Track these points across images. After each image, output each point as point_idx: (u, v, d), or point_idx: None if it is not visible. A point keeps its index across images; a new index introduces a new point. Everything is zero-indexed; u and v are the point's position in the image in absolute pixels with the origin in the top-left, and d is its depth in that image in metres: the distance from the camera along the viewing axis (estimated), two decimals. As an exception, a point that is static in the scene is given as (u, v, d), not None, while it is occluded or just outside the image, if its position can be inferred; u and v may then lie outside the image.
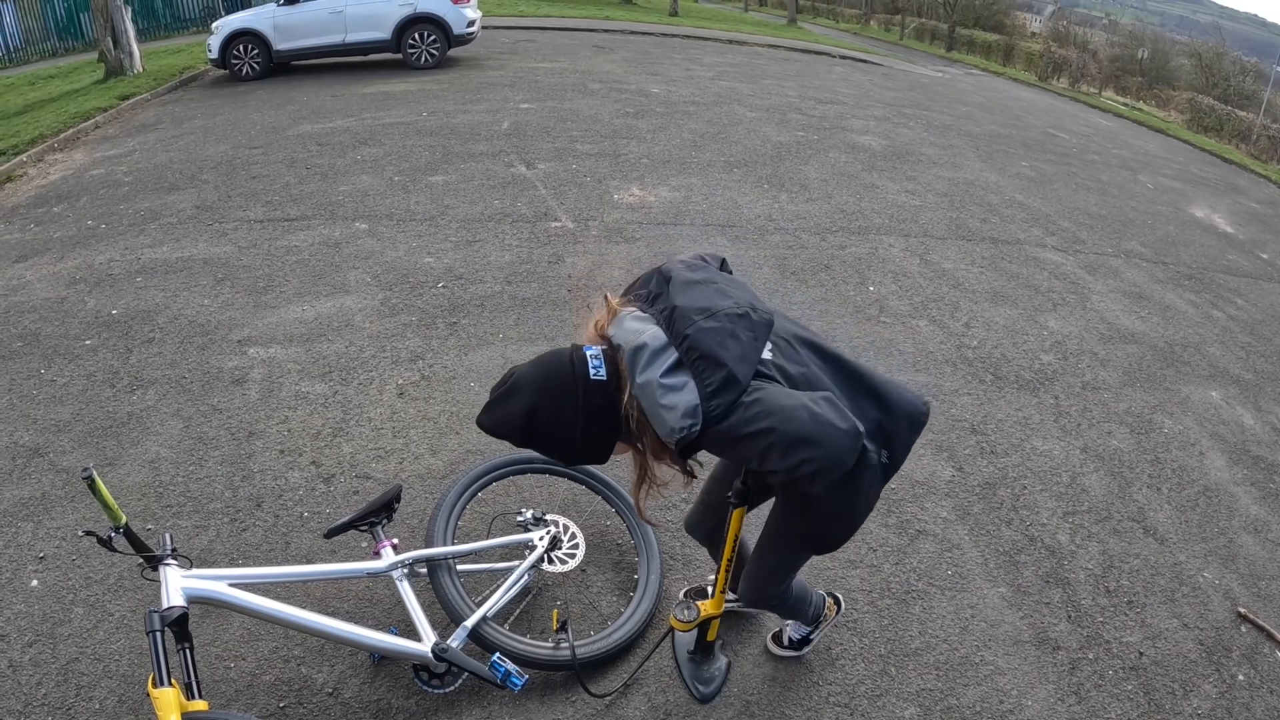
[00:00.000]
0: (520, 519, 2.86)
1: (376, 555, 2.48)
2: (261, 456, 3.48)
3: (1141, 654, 2.99)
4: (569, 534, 2.91)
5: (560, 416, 1.67)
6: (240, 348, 4.35)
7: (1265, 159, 19.28)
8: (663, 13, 27.94)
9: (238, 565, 2.90)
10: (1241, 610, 3.29)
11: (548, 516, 2.91)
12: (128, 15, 13.19)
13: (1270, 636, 3.20)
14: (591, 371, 1.69)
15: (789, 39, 24.05)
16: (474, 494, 2.84)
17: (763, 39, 22.51)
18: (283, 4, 12.90)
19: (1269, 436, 4.71)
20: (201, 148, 8.47)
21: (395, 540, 2.54)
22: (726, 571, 2.28)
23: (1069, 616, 3.09)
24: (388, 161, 7.77)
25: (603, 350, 1.73)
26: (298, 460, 3.45)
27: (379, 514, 2.57)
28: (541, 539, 2.77)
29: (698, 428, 1.60)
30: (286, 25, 12.64)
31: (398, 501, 2.65)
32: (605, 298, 1.84)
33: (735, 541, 2.22)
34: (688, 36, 20.74)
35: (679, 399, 1.61)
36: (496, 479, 2.92)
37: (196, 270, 5.30)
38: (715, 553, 2.66)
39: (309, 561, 2.92)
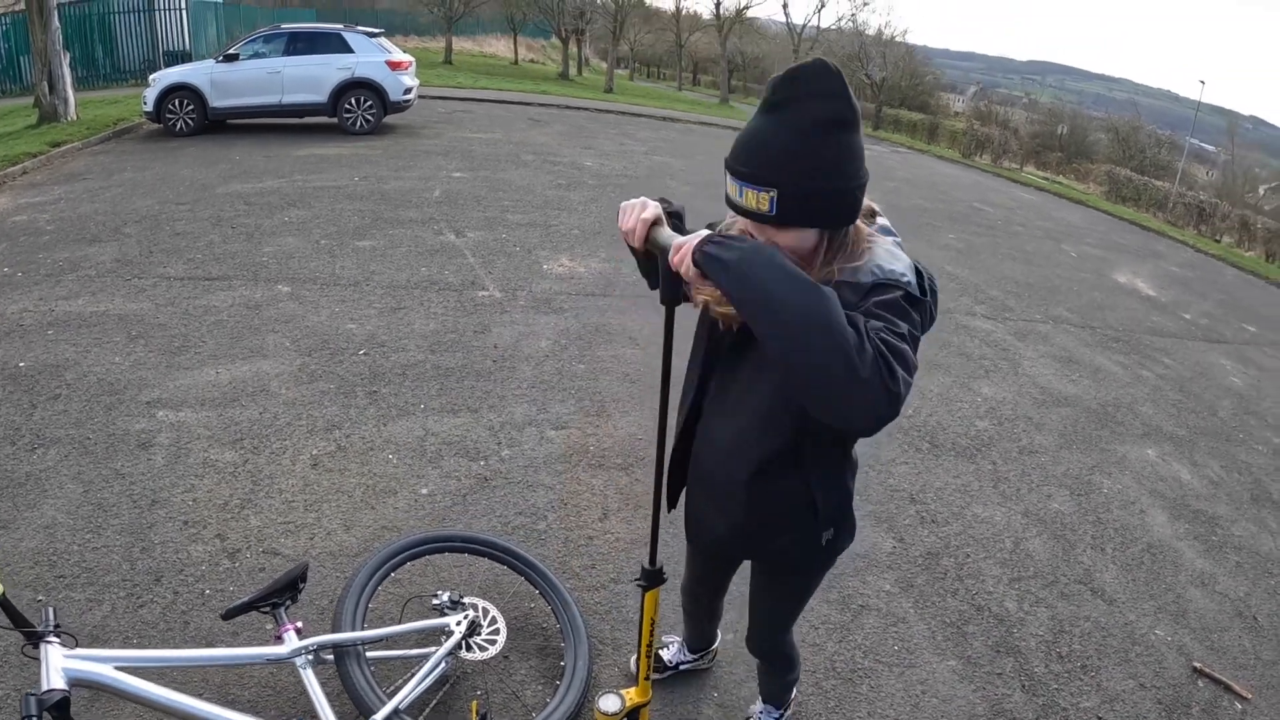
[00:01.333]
0: (436, 602, 2.64)
1: (279, 639, 2.25)
2: (164, 527, 3.23)
3: (1100, 718, 2.92)
4: (489, 618, 2.70)
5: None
6: (149, 410, 4.10)
7: (1182, 225, 20.59)
8: (598, 89, 28.59)
9: (130, 646, 2.65)
10: (1197, 665, 3.27)
11: (466, 599, 2.69)
12: (66, 61, 12.93)
13: (1228, 688, 3.17)
14: None
15: (722, 117, 24.70)
16: (386, 574, 2.63)
17: (696, 116, 23.03)
18: (221, 61, 12.77)
19: (1207, 490, 4.81)
20: (128, 200, 8.27)
21: (299, 623, 2.31)
22: (647, 656, 2.12)
23: (1023, 686, 3.00)
24: (315, 224, 7.61)
25: None
26: (202, 533, 3.21)
27: (282, 594, 2.32)
28: (459, 624, 2.54)
29: (910, 280, 1.46)
30: (224, 82, 12.49)
31: (303, 581, 2.41)
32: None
33: (652, 626, 2.07)
34: (622, 113, 21.13)
35: (912, 275, 1.48)
36: (411, 558, 2.72)
37: (110, 326, 5.06)
38: (704, 622, 2.63)
39: (208, 644, 2.68)
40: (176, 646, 2.66)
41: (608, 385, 4.81)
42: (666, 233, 1.54)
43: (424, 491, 3.60)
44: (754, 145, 1.42)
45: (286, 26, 14.19)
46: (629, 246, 1.61)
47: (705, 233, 1.44)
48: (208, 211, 7.93)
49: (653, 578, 1.95)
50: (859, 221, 1.54)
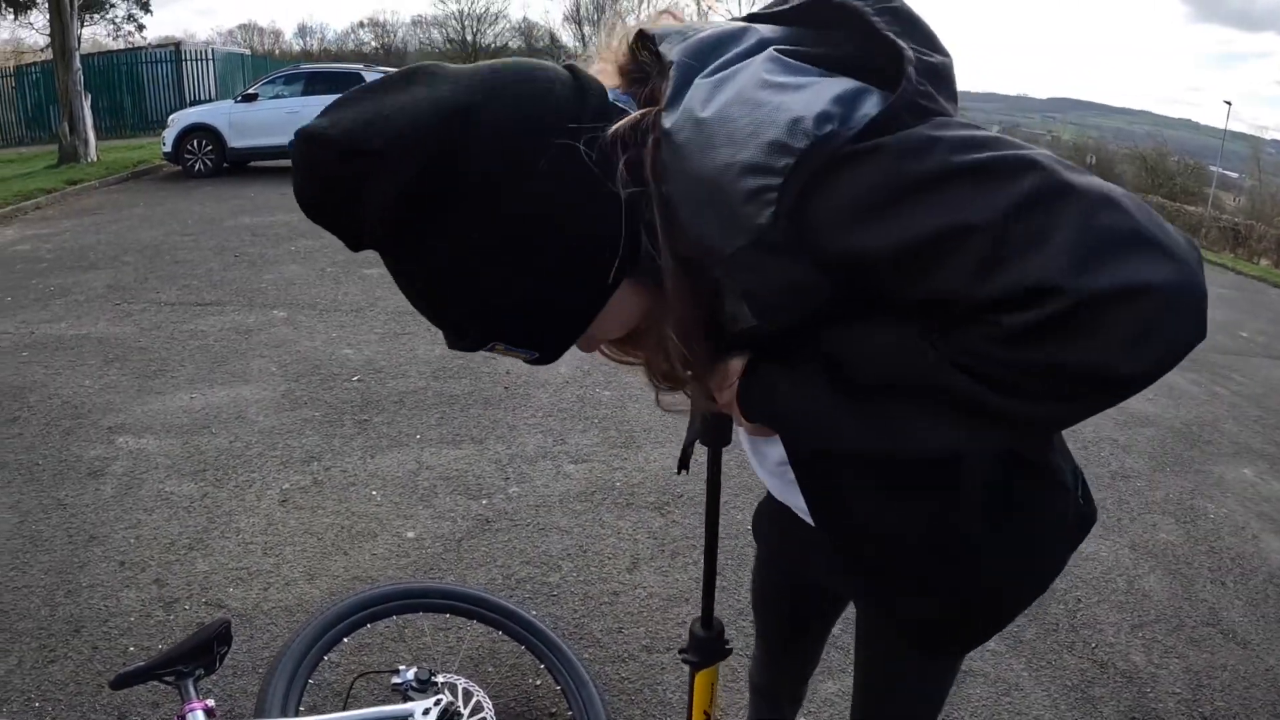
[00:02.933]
0: (397, 681, 1.97)
1: (180, 721, 1.67)
2: (97, 567, 2.73)
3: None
4: (472, 704, 2.05)
5: (527, 151, 0.68)
6: (110, 435, 3.65)
7: (1218, 249, 20.37)
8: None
9: (28, 708, 2.14)
10: (1354, 713, 2.71)
11: (439, 678, 2.01)
12: (86, 103, 13.03)
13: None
14: (611, 94, 0.74)
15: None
16: (335, 640, 2.03)
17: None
18: (240, 101, 12.68)
19: (1314, 510, 4.35)
20: (133, 232, 8.18)
21: (211, 702, 1.70)
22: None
23: (1172, 759, 2.41)
24: (323, 254, 7.27)
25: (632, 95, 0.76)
26: (138, 576, 2.69)
27: (192, 660, 1.71)
28: (427, 712, 1.87)
29: (843, 128, 0.63)
30: (242, 123, 12.39)
31: (225, 644, 1.78)
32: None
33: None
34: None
35: (804, 95, 0.65)
36: (372, 619, 2.10)
37: (88, 349, 4.72)
38: (783, 703, 1.61)
39: (121, 716, 2.15)
40: (83, 715, 2.14)
41: (637, 413, 4.26)
42: None
43: (410, 535, 3.06)
44: (411, 300, 0.81)
45: (306, 67, 14.15)
46: None
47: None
48: (212, 241, 7.73)
49: (708, 649, 1.28)
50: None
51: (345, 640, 2.10)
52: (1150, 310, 0.55)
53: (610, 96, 0.73)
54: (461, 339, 0.77)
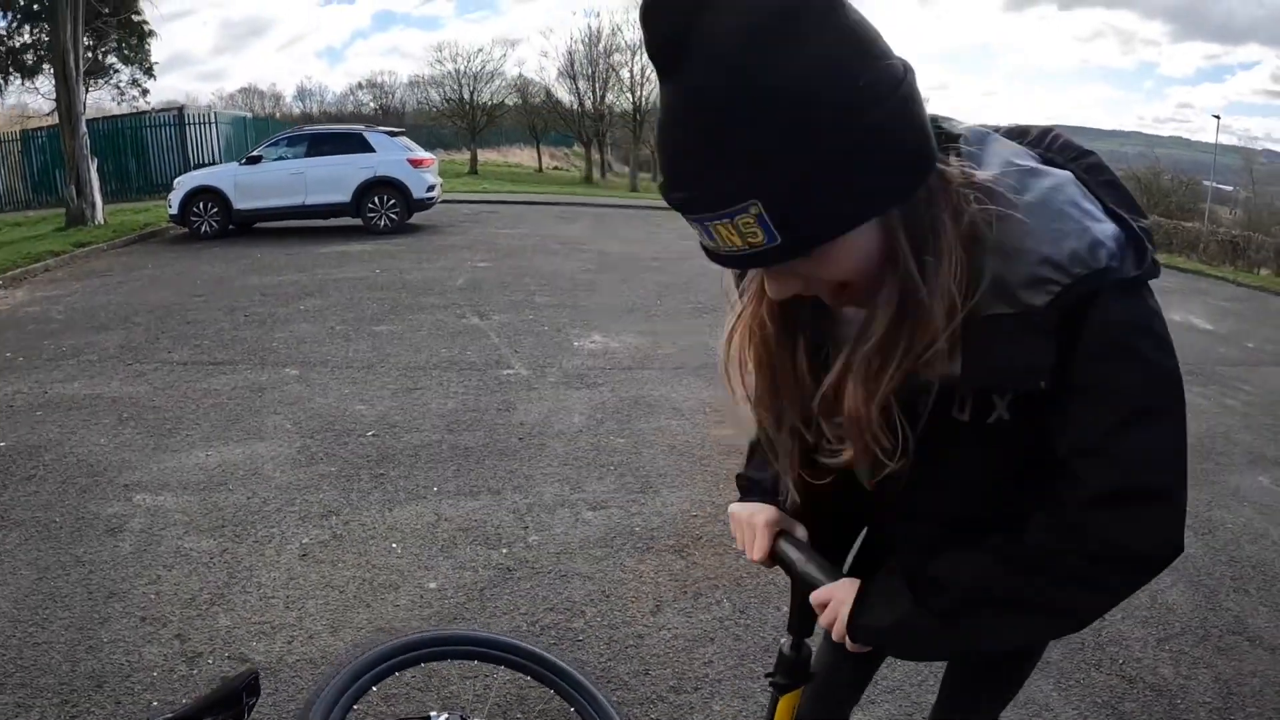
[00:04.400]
0: None
1: (210, 773, 1.62)
2: (118, 623, 2.71)
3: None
4: None
5: (872, 47, 0.74)
6: (126, 493, 3.66)
7: (1216, 263, 20.33)
8: (624, 189, 29.24)
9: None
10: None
11: None
12: (93, 166, 13.19)
13: None
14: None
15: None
16: (365, 689, 1.96)
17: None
18: (244, 163, 12.83)
19: (1331, 514, 4.34)
20: (143, 293, 8.28)
21: None
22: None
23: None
24: (332, 312, 7.34)
25: None
26: (159, 632, 2.68)
27: (220, 711, 1.67)
28: None
29: (1122, 268, 0.83)
30: (247, 184, 12.50)
31: (253, 695, 1.74)
32: None
33: None
34: (650, 207, 21.11)
35: (1100, 226, 0.84)
36: (401, 667, 2.05)
37: (102, 408, 4.76)
38: None
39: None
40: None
41: (652, 459, 4.27)
42: (801, 560, 1.15)
43: (432, 586, 3.05)
44: (683, 137, 0.76)
45: (308, 129, 14.34)
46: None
47: (847, 586, 1.07)
48: (222, 302, 7.78)
49: (797, 671, 1.23)
50: (946, 165, 0.83)
51: (374, 689, 2.08)
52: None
53: None
54: (715, 191, 0.74)
